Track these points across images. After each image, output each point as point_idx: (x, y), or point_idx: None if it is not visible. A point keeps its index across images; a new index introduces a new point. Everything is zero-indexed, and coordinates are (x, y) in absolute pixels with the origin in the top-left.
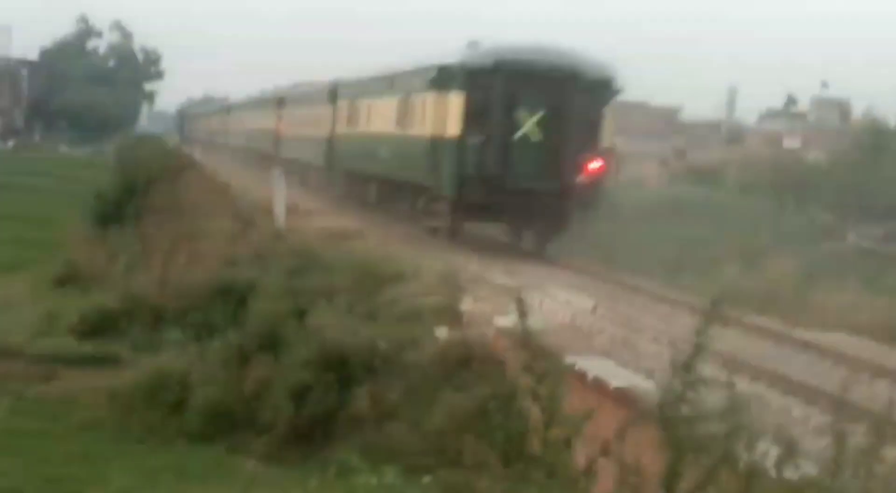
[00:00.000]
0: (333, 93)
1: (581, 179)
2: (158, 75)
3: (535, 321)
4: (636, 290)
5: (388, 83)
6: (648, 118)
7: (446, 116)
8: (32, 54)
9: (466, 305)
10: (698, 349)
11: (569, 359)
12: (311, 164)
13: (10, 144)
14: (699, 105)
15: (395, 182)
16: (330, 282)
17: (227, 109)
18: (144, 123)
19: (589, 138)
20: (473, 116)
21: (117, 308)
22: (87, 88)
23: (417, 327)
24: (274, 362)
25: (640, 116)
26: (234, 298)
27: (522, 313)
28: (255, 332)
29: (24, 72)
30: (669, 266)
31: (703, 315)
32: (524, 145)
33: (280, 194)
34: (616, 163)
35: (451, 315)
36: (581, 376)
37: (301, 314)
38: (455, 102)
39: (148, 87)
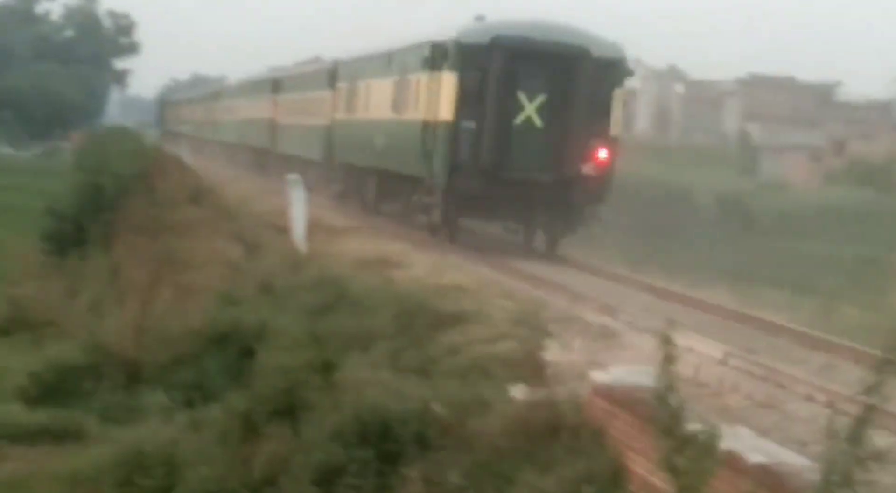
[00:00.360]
0: (332, 74)
1: (587, 169)
2: (132, 49)
3: (644, 375)
4: (780, 331)
5: (385, 62)
6: (795, 98)
7: (439, 98)
8: None
9: (551, 353)
10: (869, 413)
11: (691, 425)
12: (307, 159)
13: None
14: (862, 82)
15: (392, 175)
16: (366, 325)
17: (214, 94)
18: (114, 112)
19: (597, 125)
20: (468, 99)
21: (79, 363)
22: (36, 67)
23: (486, 385)
24: (292, 435)
25: (783, 95)
26: (236, 347)
27: (667, 359)
28: (267, 393)
29: None
30: (824, 297)
31: (875, 366)
32: (524, 131)
33: (299, 207)
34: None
35: (532, 368)
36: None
37: (328, 369)
38: (448, 83)
39: (118, 64)
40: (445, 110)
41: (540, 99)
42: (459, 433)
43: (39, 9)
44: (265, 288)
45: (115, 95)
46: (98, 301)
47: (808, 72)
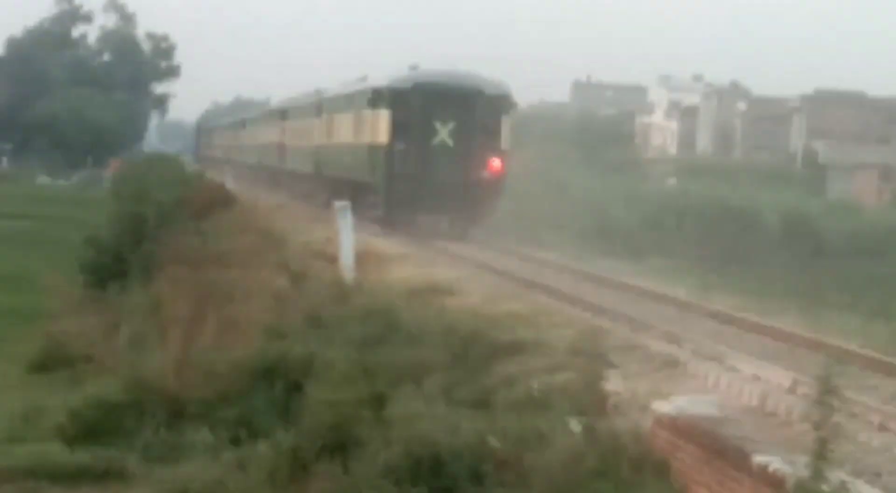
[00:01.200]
0: (318, 107)
1: (485, 174)
2: (172, 72)
3: (709, 405)
4: (851, 357)
5: (348, 100)
6: (864, 114)
7: (378, 128)
8: None
9: (613, 384)
10: None
11: (757, 458)
12: (305, 173)
13: None
14: None
15: (355, 183)
16: (419, 356)
17: (241, 122)
18: (154, 138)
19: (490, 143)
20: (398, 128)
21: (121, 401)
22: (74, 92)
23: (544, 417)
24: (342, 472)
25: (851, 111)
26: (283, 382)
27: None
28: (316, 429)
29: None
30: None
31: None
32: (439, 149)
33: (347, 235)
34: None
35: (592, 399)
36: (777, 481)
37: (379, 403)
38: (384, 117)
39: (157, 89)
40: (383, 136)
41: (450, 125)
42: (516, 467)
43: (76, 32)
44: (312, 320)
45: (154, 121)
46: (139, 335)
47: (878, 87)
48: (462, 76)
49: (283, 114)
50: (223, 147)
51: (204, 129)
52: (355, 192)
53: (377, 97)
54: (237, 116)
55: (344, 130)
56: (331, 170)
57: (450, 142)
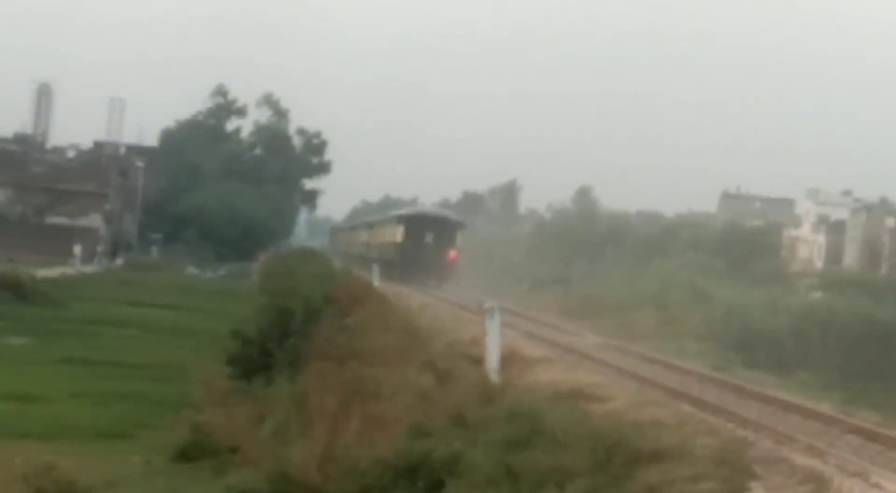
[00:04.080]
0: (379, 223)
1: (448, 259)
2: (322, 169)
3: None
4: None
5: (389, 221)
6: None
7: (398, 234)
8: (151, 138)
9: None
10: None
11: None
12: (374, 257)
13: (120, 261)
14: None
15: (390, 261)
16: (562, 460)
17: (353, 228)
18: (302, 233)
19: (450, 244)
20: (407, 235)
21: None
22: (225, 185)
23: None
24: None
25: None
26: (426, 481)
27: None
28: None
29: (140, 162)
30: None
31: None
32: (426, 246)
33: (494, 337)
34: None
35: None
36: None
37: None
38: (401, 230)
39: (307, 184)
40: (400, 238)
41: (431, 235)
42: None
43: (229, 126)
44: (457, 420)
45: (303, 216)
46: (284, 428)
47: None
48: (438, 211)
49: (369, 225)
50: (344, 244)
51: (334, 230)
52: (390, 266)
53: (398, 220)
54: (351, 225)
55: (387, 235)
56: (383, 255)
57: (431, 242)
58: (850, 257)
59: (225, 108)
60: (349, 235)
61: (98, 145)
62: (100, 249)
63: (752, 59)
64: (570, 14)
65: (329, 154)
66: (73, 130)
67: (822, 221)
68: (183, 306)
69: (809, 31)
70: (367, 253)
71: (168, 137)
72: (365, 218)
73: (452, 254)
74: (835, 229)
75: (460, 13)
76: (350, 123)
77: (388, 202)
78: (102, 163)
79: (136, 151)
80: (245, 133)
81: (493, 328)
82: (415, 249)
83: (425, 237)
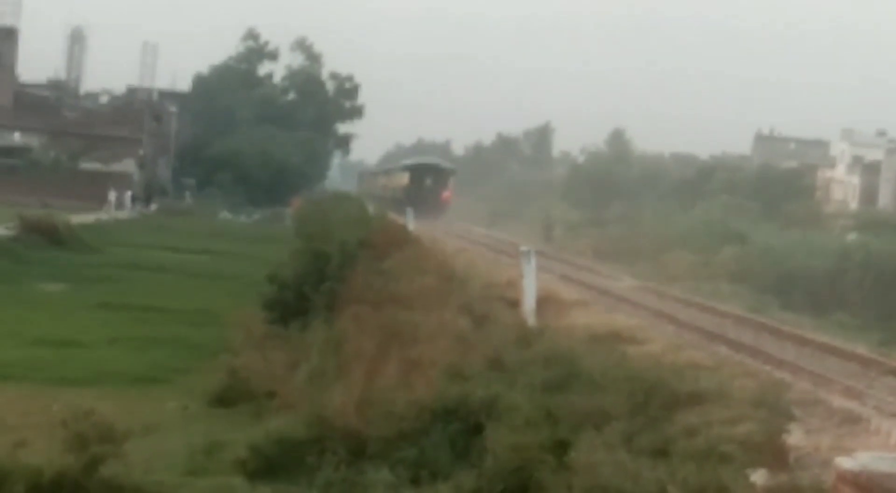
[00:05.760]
0: (393, 170)
1: (443, 198)
2: (355, 113)
3: (891, 462)
4: None
5: (398, 169)
6: None
7: (405, 179)
8: (184, 83)
9: (794, 438)
10: None
11: None
12: (388, 198)
13: (154, 207)
14: None
15: (398, 200)
16: (600, 403)
17: (374, 174)
18: (336, 178)
19: (444, 187)
20: (411, 180)
21: (301, 437)
22: (258, 130)
23: (725, 469)
24: None
25: None
26: (464, 423)
27: None
28: (497, 472)
29: (173, 108)
30: None
31: None
32: (426, 187)
33: (530, 280)
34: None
35: (773, 452)
36: None
37: (562, 447)
38: (406, 175)
39: (341, 129)
40: (406, 182)
41: (429, 179)
42: None
43: (262, 70)
44: (494, 363)
45: (337, 160)
46: (321, 373)
47: None
48: (435, 161)
49: (385, 172)
50: (368, 187)
51: (360, 175)
52: (399, 203)
53: (404, 168)
54: (373, 171)
55: (397, 180)
56: (395, 195)
57: (429, 185)
58: (885, 199)
59: (256, 51)
60: (372, 180)
61: (131, 91)
62: (132, 193)
63: None
64: None
65: (362, 97)
66: (105, 76)
67: (857, 162)
68: (217, 251)
69: None
70: (384, 194)
71: (200, 81)
72: (384, 166)
73: (446, 194)
74: (869, 170)
75: None
76: (384, 64)
77: (420, 146)
78: (135, 108)
79: (168, 96)
80: (277, 77)
81: (529, 272)
82: (417, 190)
83: (425, 182)
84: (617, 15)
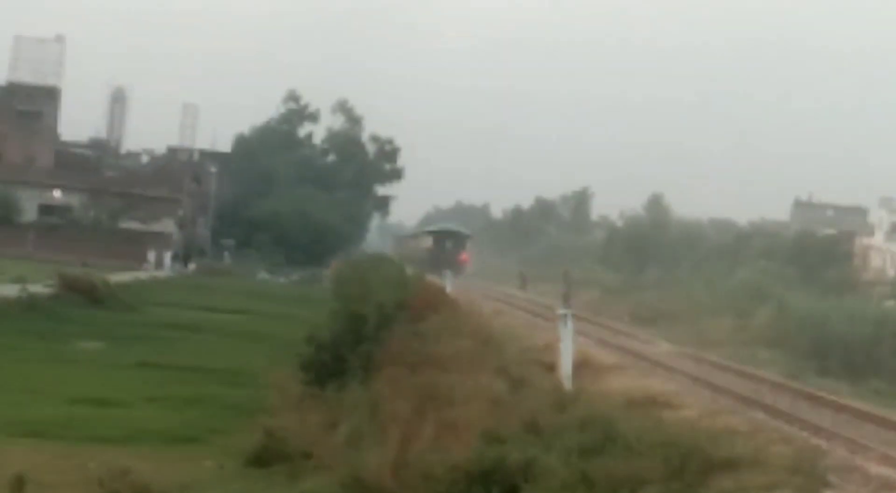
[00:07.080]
0: (420, 235)
1: (461, 260)
2: (395, 175)
3: None
4: None
5: (423, 234)
6: None
7: (428, 243)
8: (224, 143)
9: None
10: None
11: None
12: (419, 262)
13: (192, 266)
14: None
15: (423, 262)
16: (636, 467)
17: (406, 238)
18: (374, 240)
19: (461, 250)
20: (434, 243)
21: None
22: (298, 191)
23: None
24: None
25: None
26: (500, 487)
27: None
28: None
29: (213, 168)
30: None
31: None
32: (446, 251)
33: (567, 343)
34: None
35: None
36: None
37: None
38: (430, 240)
39: (380, 190)
40: (429, 245)
41: (449, 243)
42: None
43: (302, 132)
44: (530, 426)
45: (375, 222)
46: (357, 434)
47: None
48: (454, 227)
49: (414, 236)
50: (400, 249)
51: (395, 238)
52: (423, 264)
53: (428, 233)
54: (404, 235)
55: (423, 244)
56: (421, 257)
57: (449, 248)
58: None
59: (297, 113)
60: (403, 243)
61: (171, 151)
62: (171, 254)
63: (828, 63)
64: (645, 18)
65: (402, 160)
66: (146, 136)
67: (895, 229)
68: (255, 311)
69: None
70: (413, 256)
71: (241, 142)
72: (413, 231)
73: (464, 256)
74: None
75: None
76: (424, 128)
77: (459, 209)
78: (176, 168)
79: (209, 156)
80: (318, 139)
81: (566, 335)
82: (439, 252)
83: (446, 245)
84: (663, 98)
